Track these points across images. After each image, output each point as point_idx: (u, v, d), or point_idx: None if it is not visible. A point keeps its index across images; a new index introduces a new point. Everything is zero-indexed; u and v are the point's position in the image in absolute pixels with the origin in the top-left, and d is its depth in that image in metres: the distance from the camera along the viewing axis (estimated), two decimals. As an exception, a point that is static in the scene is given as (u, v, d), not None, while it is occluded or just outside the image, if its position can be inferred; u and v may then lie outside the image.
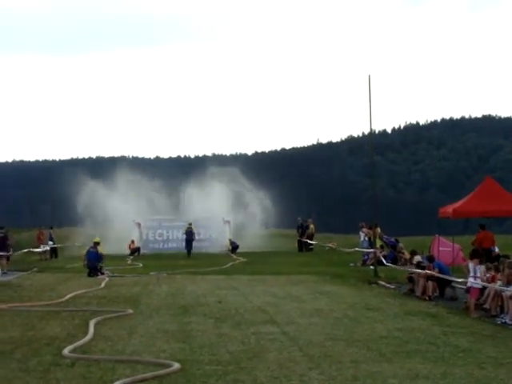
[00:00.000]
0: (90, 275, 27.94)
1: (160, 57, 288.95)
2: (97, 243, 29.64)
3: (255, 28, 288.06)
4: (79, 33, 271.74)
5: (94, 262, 28.60)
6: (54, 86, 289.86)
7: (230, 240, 46.61)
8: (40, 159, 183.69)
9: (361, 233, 35.61)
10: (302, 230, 46.79)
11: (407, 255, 25.60)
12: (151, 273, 28.69)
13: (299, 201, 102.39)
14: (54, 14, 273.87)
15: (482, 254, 22.96)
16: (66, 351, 11.25)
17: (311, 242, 45.28)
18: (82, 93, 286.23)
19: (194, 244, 45.12)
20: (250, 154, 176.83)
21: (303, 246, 45.98)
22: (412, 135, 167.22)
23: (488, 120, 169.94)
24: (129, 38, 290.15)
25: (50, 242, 43.10)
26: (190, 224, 45.30)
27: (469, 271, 18.00)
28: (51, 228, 44.07)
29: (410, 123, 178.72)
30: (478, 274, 17.79)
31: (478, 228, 28.03)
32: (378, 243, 31.16)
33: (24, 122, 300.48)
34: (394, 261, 30.35)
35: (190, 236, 44.85)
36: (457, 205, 28.54)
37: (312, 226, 46.47)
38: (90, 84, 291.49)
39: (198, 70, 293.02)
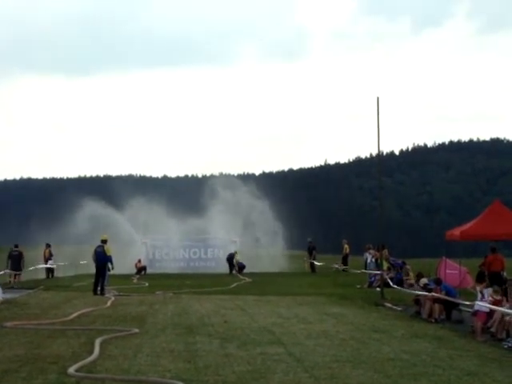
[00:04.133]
0: (96, 281, 27.78)
1: (168, 77, 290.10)
2: (104, 241, 28.14)
3: (264, 47, 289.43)
4: (91, 54, 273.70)
5: (104, 263, 27.79)
6: (62, 106, 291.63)
7: (236, 260, 46.60)
8: (48, 177, 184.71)
9: (368, 254, 35.39)
10: (309, 251, 46.68)
11: (412, 277, 25.48)
12: (157, 292, 28.67)
13: (306, 222, 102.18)
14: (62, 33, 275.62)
15: (485, 277, 22.90)
16: (71, 370, 11.19)
17: (345, 266, 44.00)
18: (90, 112, 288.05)
19: (201, 264, 45.27)
20: (257, 174, 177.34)
21: (314, 268, 45.56)
22: (420, 157, 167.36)
23: (496, 143, 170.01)
24: (142, 59, 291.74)
25: (50, 261, 42.77)
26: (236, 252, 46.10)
27: (481, 294, 17.94)
28: (49, 246, 43.41)
29: (418, 145, 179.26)
30: (485, 297, 17.71)
31: (485, 251, 27.92)
32: (385, 265, 31.06)
33: (34, 139, 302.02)
34: (401, 283, 30.23)
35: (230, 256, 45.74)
36: (464, 227, 28.48)
37: (346, 246, 45.19)
38: (97, 104, 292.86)
39: (206, 90, 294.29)
